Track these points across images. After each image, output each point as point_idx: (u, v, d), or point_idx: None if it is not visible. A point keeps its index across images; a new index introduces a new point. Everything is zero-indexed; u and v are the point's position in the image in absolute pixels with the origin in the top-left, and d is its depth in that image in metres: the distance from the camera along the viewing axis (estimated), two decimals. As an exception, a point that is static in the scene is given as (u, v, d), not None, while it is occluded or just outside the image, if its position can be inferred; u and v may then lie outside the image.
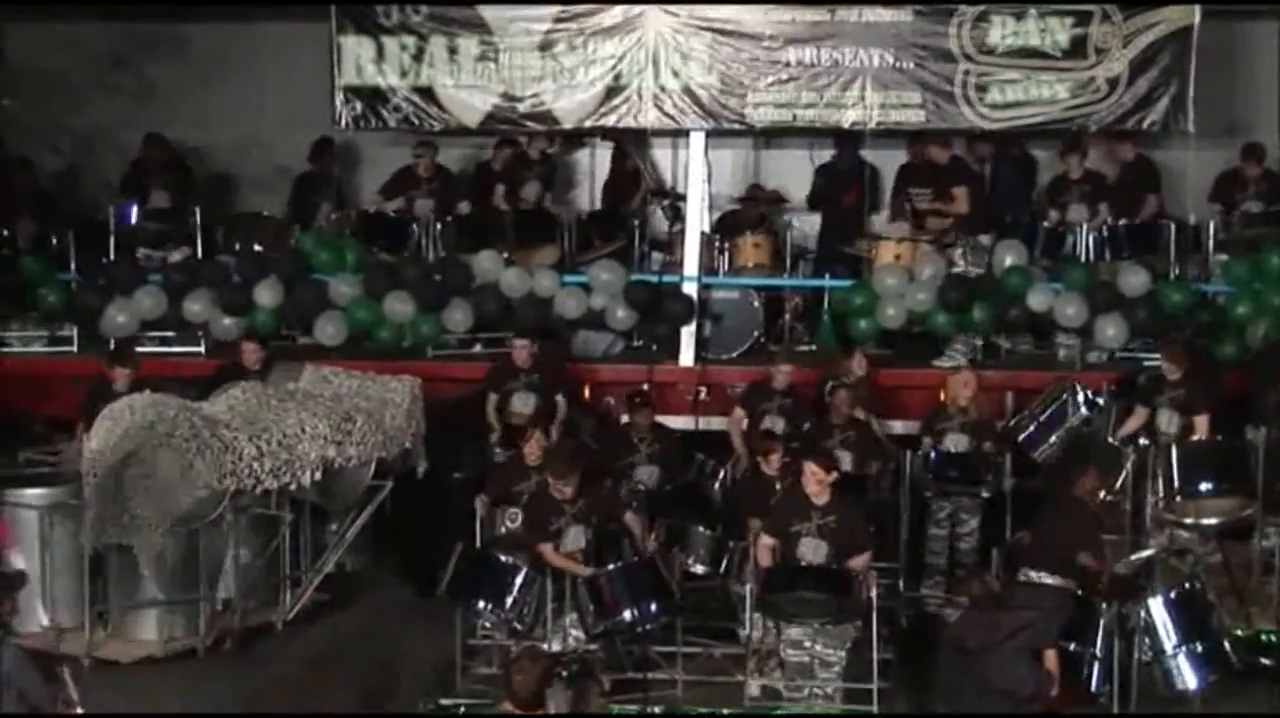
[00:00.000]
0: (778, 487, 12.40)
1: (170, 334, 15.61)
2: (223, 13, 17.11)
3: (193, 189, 16.93)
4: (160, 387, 12.99)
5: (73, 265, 15.89)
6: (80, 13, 17.33)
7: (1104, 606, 11.14)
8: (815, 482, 11.49)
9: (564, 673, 7.97)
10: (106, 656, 12.06)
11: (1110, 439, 13.55)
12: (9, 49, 17.53)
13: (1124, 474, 13.04)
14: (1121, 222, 15.53)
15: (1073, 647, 10.92)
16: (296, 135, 16.86)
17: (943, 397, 13.88)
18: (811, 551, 11.47)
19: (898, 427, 14.43)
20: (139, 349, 14.64)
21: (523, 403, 13.99)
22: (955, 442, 13.47)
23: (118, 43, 17.79)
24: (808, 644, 11.51)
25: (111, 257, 15.94)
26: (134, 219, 16.34)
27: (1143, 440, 13.32)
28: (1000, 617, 10.47)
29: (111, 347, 14.58)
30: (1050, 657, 10.56)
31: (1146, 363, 14.43)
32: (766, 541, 11.61)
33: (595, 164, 17.67)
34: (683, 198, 16.15)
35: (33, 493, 12.52)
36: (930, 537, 13.59)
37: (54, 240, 16.28)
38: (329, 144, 16.73)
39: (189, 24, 17.45)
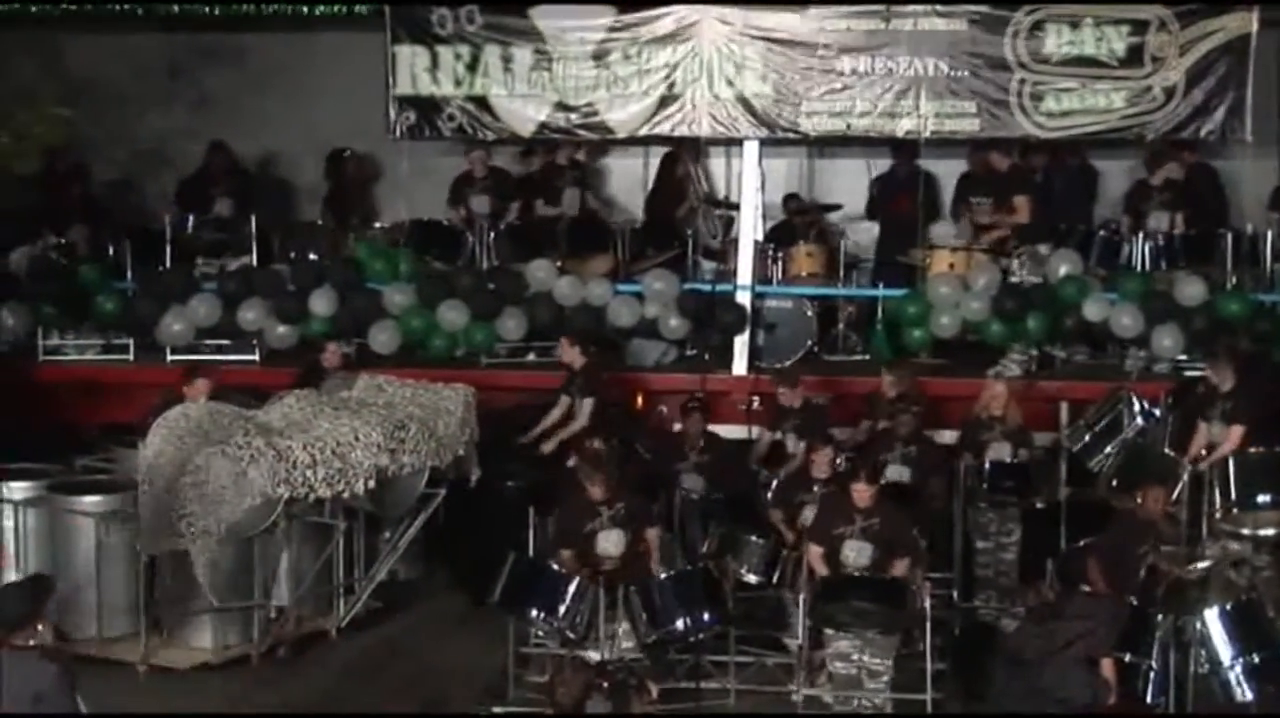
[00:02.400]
0: (816, 489, 12.38)
1: (225, 342, 15.72)
2: (279, 23, 17.21)
3: (252, 198, 17.05)
4: (229, 398, 13.09)
5: (129, 274, 15.99)
6: (138, 24, 17.45)
7: (1160, 617, 11.06)
8: (866, 497, 11.48)
9: (605, 684, 7.98)
10: (161, 662, 12.12)
11: (1167, 450, 13.45)
12: (68, 60, 17.67)
13: (1181, 485, 12.95)
14: (1178, 231, 15.43)
15: (1129, 658, 10.85)
16: (352, 145, 16.96)
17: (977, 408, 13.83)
18: (855, 553, 11.43)
19: (948, 436, 14.32)
20: (194, 357, 14.85)
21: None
22: (1000, 450, 13.41)
23: (175, 53, 17.95)
24: (855, 657, 11.46)
25: (168, 265, 16.05)
26: (191, 228, 16.45)
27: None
28: (1057, 626, 10.44)
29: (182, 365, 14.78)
30: (1106, 665, 10.52)
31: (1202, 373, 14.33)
32: (815, 548, 11.60)
33: (648, 174, 17.67)
34: (736, 207, 16.15)
35: (89, 500, 12.58)
36: (978, 550, 13.52)
37: (110, 249, 16.40)
38: (338, 158, 16.87)
39: (246, 34, 17.57)
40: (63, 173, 16.87)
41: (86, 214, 16.83)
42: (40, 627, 8.46)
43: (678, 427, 14.19)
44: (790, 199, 16.96)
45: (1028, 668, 10.38)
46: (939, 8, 14.92)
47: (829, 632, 11.47)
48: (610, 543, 11.72)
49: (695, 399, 14.11)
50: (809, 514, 12.19)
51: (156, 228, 16.47)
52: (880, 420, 13.78)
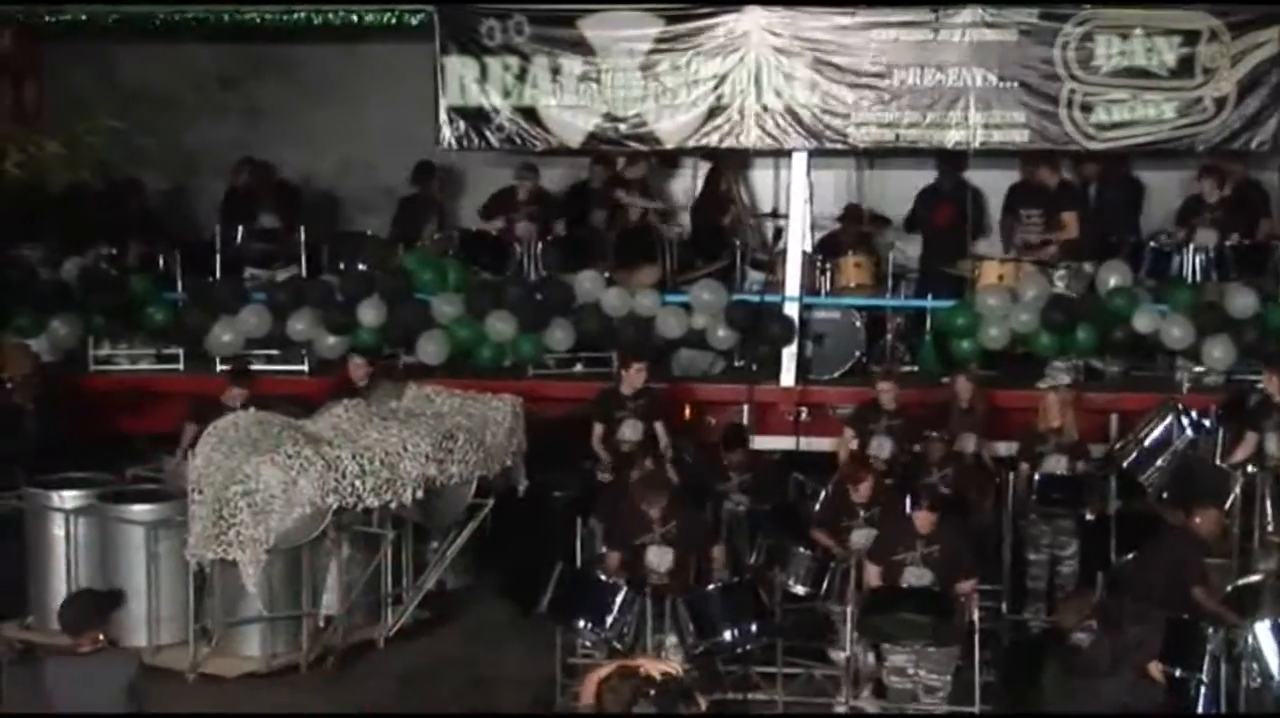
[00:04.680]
0: (862, 514, 12.35)
1: (275, 353, 15.78)
2: (329, 34, 17.24)
3: (300, 210, 17.11)
4: (269, 405, 13.14)
5: (179, 284, 16.07)
6: (190, 34, 17.53)
7: (1211, 631, 11.00)
8: (929, 524, 11.45)
9: (653, 692, 7.98)
10: (210, 671, 12.17)
11: (1218, 463, 13.37)
12: (121, 70, 17.77)
13: (1232, 498, 12.88)
14: (1229, 242, 15.34)
15: (1179, 672, 10.79)
16: (401, 156, 17.00)
17: (1038, 419, 13.80)
18: (915, 578, 11.42)
19: (1001, 448, 14.28)
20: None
21: (632, 430, 13.95)
22: (1055, 463, 13.37)
23: (225, 65, 18.00)
24: (911, 671, 11.44)
25: (218, 276, 16.13)
26: (239, 239, 16.53)
27: (1250, 468, 13.15)
28: (1122, 634, 10.46)
29: (228, 366, 14.90)
30: (1154, 667, 10.55)
31: (1257, 384, 14.24)
32: (874, 568, 11.58)
33: (696, 185, 17.65)
34: (784, 217, 16.11)
35: (138, 509, 12.67)
36: (1031, 562, 13.47)
37: (162, 260, 16.49)
38: (431, 168, 16.87)
39: (295, 46, 17.59)
40: (120, 187, 16.97)
41: (143, 228, 16.93)
42: (101, 635, 8.82)
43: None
44: (850, 210, 16.83)
45: (1095, 679, 10.41)
46: (988, 18, 14.86)
47: (885, 646, 11.46)
48: (659, 559, 11.70)
49: (734, 431, 14.05)
50: (858, 537, 12.17)
51: (206, 238, 16.56)
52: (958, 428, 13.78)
